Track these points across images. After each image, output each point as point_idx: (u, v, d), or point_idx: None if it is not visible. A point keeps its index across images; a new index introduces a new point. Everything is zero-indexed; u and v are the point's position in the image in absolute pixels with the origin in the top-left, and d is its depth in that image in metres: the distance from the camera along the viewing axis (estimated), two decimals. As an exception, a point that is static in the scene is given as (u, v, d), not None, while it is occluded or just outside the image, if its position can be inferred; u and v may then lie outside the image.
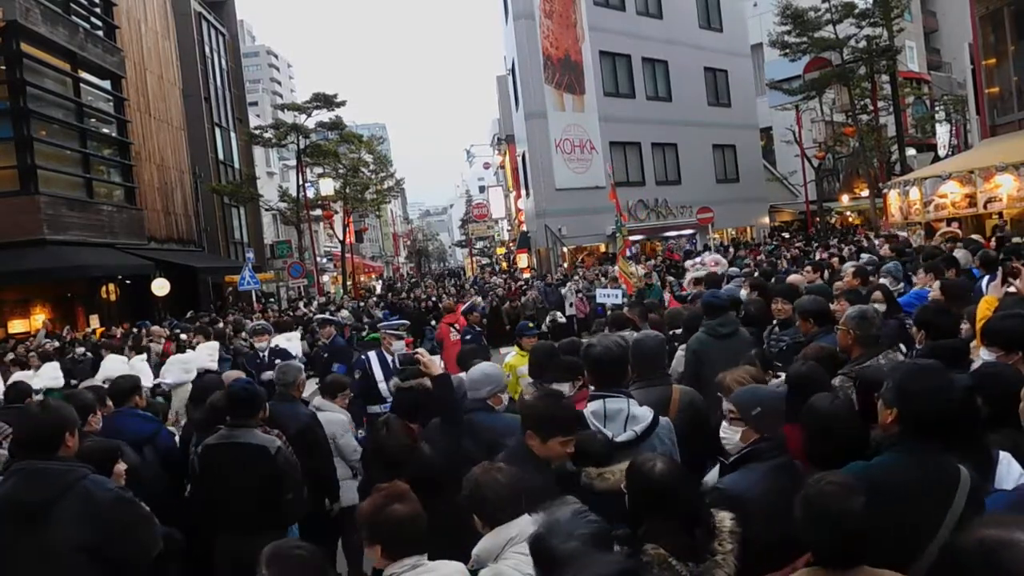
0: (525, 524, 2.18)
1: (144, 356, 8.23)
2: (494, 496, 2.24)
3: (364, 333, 8.72)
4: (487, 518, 2.25)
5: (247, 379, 4.26)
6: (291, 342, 8.11)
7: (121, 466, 3.32)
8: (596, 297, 12.61)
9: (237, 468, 3.61)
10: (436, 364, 3.47)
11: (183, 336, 11.28)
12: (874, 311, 3.63)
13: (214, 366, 6.96)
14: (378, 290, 23.72)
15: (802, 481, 2.60)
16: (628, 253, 12.03)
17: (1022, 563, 1.24)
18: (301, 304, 22.47)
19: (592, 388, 3.11)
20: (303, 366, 6.06)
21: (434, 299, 20.26)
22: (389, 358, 6.38)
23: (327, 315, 18.78)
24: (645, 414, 2.91)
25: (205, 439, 3.81)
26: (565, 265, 23.67)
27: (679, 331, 5.47)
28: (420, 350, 3.74)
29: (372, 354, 6.41)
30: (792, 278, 7.07)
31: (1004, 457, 2.40)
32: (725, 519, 2.21)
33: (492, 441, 3.14)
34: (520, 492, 2.28)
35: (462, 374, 4.09)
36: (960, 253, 7.24)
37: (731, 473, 2.62)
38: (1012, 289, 4.44)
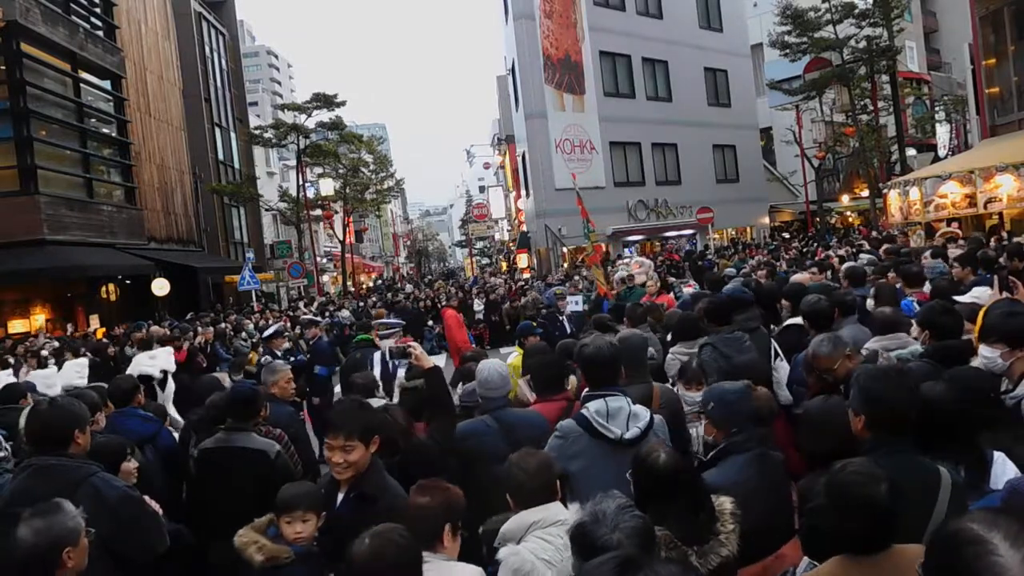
0: (552, 512, 2.31)
1: (10, 371, 7.55)
2: (525, 480, 2.38)
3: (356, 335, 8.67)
4: (516, 499, 2.40)
5: (251, 381, 4.25)
6: (156, 360, 6.76)
7: (132, 464, 3.34)
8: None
9: (235, 471, 3.59)
10: (428, 358, 3.51)
11: (43, 353, 10.89)
12: (834, 335, 3.63)
13: (83, 382, 6.39)
14: (372, 299, 23.50)
15: (778, 471, 2.69)
16: (627, 252, 12.04)
17: (985, 562, 1.23)
18: (301, 304, 22.47)
19: (587, 388, 3.12)
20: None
21: (433, 299, 20.25)
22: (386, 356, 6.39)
23: (327, 316, 18.81)
24: (644, 412, 2.96)
25: (202, 440, 3.80)
26: (565, 265, 23.67)
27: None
28: (412, 343, 3.77)
29: (377, 355, 6.40)
30: (798, 277, 7.07)
31: (999, 457, 2.41)
32: (726, 502, 2.29)
33: (521, 437, 3.21)
34: (552, 480, 2.42)
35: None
36: (955, 252, 7.21)
37: (711, 468, 2.73)
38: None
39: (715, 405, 2.81)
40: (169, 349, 7.80)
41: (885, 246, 10.39)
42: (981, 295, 4.42)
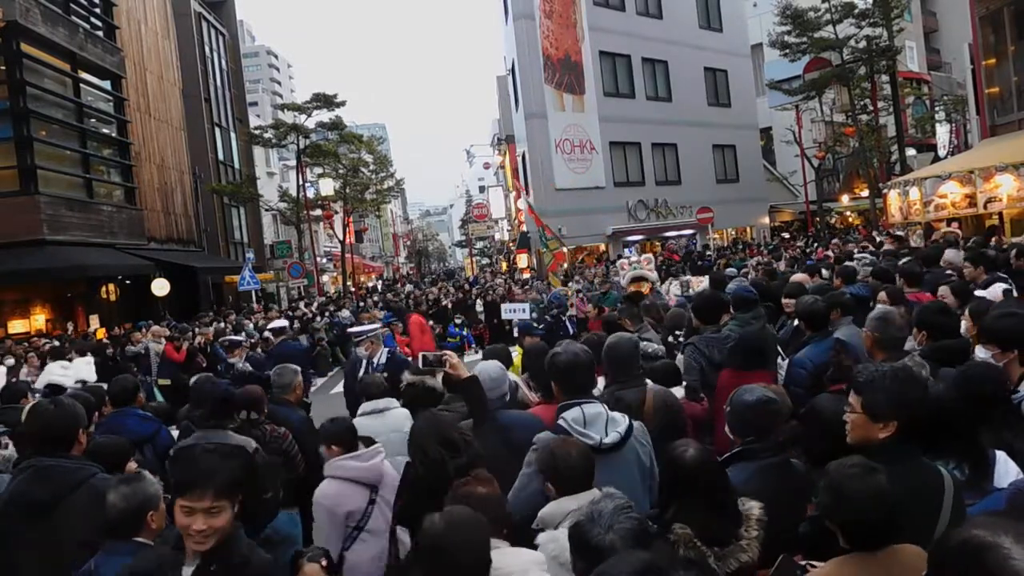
0: (589, 499, 2.33)
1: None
2: (565, 467, 2.46)
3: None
4: (557, 486, 2.48)
5: (225, 382, 4.30)
6: (68, 370, 6.39)
7: (131, 465, 3.36)
8: (502, 313, 12.59)
9: None
10: (464, 368, 3.47)
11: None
12: (896, 313, 3.57)
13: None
14: (372, 299, 23.50)
15: (796, 481, 2.61)
16: (627, 252, 12.04)
17: (1004, 566, 1.22)
18: (302, 304, 22.53)
19: (563, 397, 3.05)
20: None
21: (432, 299, 20.26)
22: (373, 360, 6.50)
23: (327, 315, 18.82)
24: (622, 417, 2.94)
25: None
26: (565, 265, 23.67)
27: (680, 333, 5.47)
28: (448, 352, 3.72)
29: (365, 360, 6.49)
30: (797, 276, 7.08)
31: (1000, 456, 2.41)
32: (754, 507, 2.24)
33: (516, 438, 3.19)
34: (590, 469, 2.50)
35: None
36: (951, 252, 7.24)
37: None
38: None
39: (730, 410, 2.75)
40: (89, 359, 7.61)
41: (887, 247, 10.37)
42: (995, 293, 4.42)
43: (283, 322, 12.59)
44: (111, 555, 2.42)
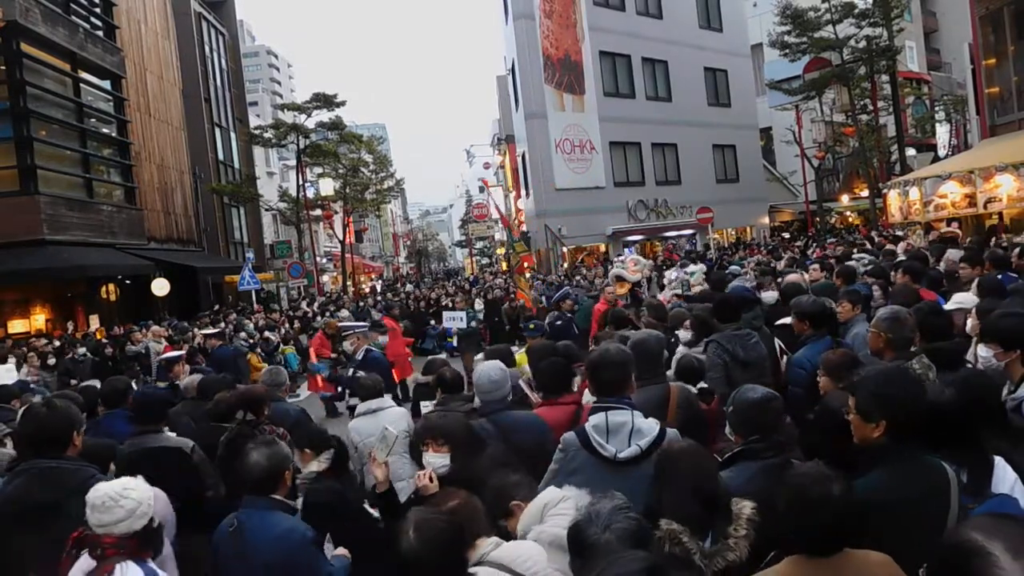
0: (552, 493, 2.40)
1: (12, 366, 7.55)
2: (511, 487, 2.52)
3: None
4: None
5: (152, 385, 4.37)
6: None
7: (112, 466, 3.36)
8: (443, 321, 12.74)
9: (158, 470, 3.60)
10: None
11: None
12: (907, 312, 3.55)
13: None
14: (372, 299, 23.49)
15: None
16: (627, 252, 12.04)
17: (988, 575, 1.21)
18: (303, 304, 22.55)
19: (596, 397, 2.96)
20: None
21: (433, 298, 20.26)
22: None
23: (327, 315, 18.82)
24: (651, 427, 2.75)
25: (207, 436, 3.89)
26: (565, 265, 23.67)
27: (680, 331, 5.47)
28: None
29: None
30: (791, 278, 7.06)
31: (999, 462, 2.41)
32: (746, 507, 2.22)
33: (517, 440, 3.20)
34: (526, 478, 2.57)
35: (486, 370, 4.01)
36: (952, 252, 7.22)
37: (722, 470, 2.62)
38: None
39: (733, 408, 2.71)
40: (10, 366, 7.61)
41: (887, 247, 10.36)
42: (965, 301, 4.39)
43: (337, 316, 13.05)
44: (252, 509, 2.73)
